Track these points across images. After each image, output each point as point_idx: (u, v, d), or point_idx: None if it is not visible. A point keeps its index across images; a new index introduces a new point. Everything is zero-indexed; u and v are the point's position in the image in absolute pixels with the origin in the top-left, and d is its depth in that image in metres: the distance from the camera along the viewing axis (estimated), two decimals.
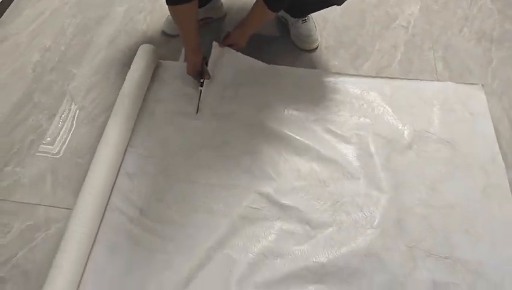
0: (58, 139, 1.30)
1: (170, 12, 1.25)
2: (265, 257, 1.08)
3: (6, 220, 1.16)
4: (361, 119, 1.31)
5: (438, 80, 1.40)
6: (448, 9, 1.63)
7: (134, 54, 1.41)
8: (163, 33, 1.56)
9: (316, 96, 1.37)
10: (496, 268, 1.05)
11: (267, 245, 1.09)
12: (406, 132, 1.28)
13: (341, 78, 1.41)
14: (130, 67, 1.37)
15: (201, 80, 1.34)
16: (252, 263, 1.07)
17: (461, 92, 1.36)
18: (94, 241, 1.11)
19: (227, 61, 1.39)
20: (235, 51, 1.39)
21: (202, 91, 1.34)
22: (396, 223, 1.12)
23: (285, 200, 1.16)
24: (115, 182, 1.20)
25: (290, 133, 1.27)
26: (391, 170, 1.21)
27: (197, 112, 1.32)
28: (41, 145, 1.29)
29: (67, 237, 1.06)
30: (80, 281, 1.05)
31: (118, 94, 1.32)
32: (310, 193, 1.17)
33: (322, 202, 1.16)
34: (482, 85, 1.38)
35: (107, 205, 1.16)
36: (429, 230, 1.11)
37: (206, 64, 1.36)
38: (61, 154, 1.27)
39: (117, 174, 1.22)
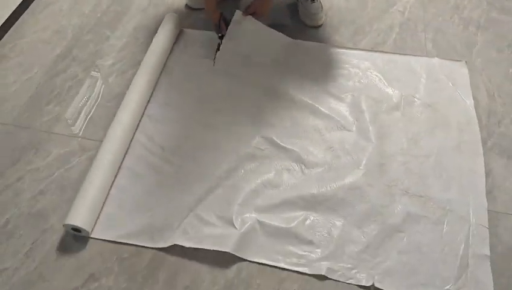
0: (92, 87, 1.51)
1: None
2: (264, 187, 1.26)
3: (46, 147, 1.36)
4: (356, 83, 1.50)
5: (427, 56, 1.58)
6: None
7: (161, 23, 1.62)
8: (187, 6, 1.77)
9: (319, 64, 1.56)
10: (462, 205, 1.22)
11: (267, 178, 1.28)
12: (394, 96, 1.46)
13: (340, 50, 1.60)
14: (156, 32, 1.59)
15: (219, 34, 1.52)
16: (254, 190, 1.25)
17: (446, 66, 1.55)
18: (120, 167, 1.30)
19: (246, 27, 1.54)
20: (255, 20, 1.54)
21: (221, 44, 1.52)
22: (379, 167, 1.30)
23: (284, 144, 1.34)
24: (139, 123, 1.40)
25: (292, 92, 1.46)
26: (378, 124, 1.39)
27: (214, 64, 1.52)
28: (80, 90, 1.50)
29: (97, 161, 1.25)
30: (106, 197, 1.24)
31: (144, 54, 1.53)
32: (307, 139, 1.36)
33: (316, 147, 1.34)
34: (466, 62, 1.56)
35: (132, 139, 1.36)
36: (407, 173, 1.29)
37: (226, 23, 1.51)
38: (94, 99, 1.47)
39: (141, 117, 1.42)
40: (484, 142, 1.36)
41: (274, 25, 1.60)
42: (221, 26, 1.51)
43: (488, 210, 1.22)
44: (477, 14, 1.75)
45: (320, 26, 1.69)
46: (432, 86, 1.49)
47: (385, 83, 1.50)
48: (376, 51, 1.60)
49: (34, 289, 1.10)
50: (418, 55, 1.59)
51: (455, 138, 1.36)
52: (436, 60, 1.56)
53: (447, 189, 1.26)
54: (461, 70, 1.54)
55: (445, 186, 1.26)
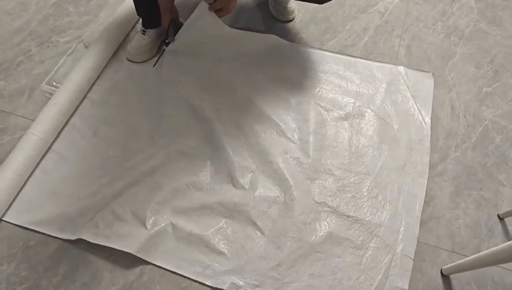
0: (42, 64, 1.48)
1: None
2: (187, 187, 1.21)
3: None
4: (310, 88, 1.41)
5: (394, 64, 1.47)
6: (429, 3, 1.68)
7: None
8: None
9: (274, 62, 1.47)
10: (392, 232, 1.14)
11: (192, 179, 1.23)
12: (346, 105, 1.37)
13: (302, 49, 1.51)
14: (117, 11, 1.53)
15: (166, 40, 1.45)
16: (175, 189, 1.20)
17: (411, 76, 1.43)
18: (49, 149, 1.28)
19: (204, 22, 1.47)
20: (217, 17, 1.41)
21: (165, 50, 1.46)
22: (311, 181, 1.22)
23: (217, 143, 1.28)
24: (78, 106, 1.37)
25: (240, 88, 1.39)
26: (321, 135, 1.30)
27: (154, 66, 1.46)
28: (28, 67, 1.47)
29: (22, 142, 1.23)
30: (27, 179, 1.22)
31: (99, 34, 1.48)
32: (240, 140, 1.29)
33: (249, 151, 1.27)
34: (433, 74, 1.44)
35: (67, 122, 1.33)
36: (340, 191, 1.21)
37: (175, 29, 1.44)
38: (41, 78, 1.44)
39: (82, 100, 1.38)
40: (434, 166, 1.26)
41: (236, 16, 1.52)
42: (170, 31, 1.44)
43: (418, 241, 1.13)
44: (464, 23, 1.61)
45: (290, 20, 1.60)
46: (389, 97, 1.39)
47: (341, 90, 1.41)
48: (341, 54, 1.50)
49: None
50: (385, 62, 1.48)
51: (402, 157, 1.27)
52: (401, 69, 1.45)
53: (380, 212, 1.18)
54: (426, 82, 1.42)
55: (378, 209, 1.18)
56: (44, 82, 1.39)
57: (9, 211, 1.17)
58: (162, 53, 1.47)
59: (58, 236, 1.14)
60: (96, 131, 1.32)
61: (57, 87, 1.36)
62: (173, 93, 1.39)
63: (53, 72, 1.41)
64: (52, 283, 1.07)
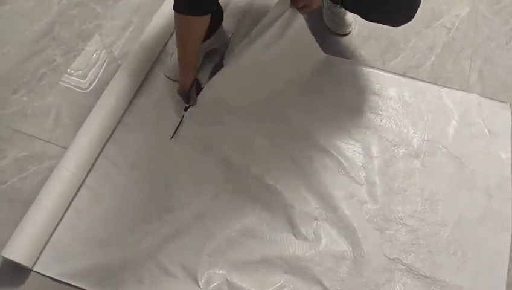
0: (69, 78, 1.30)
1: (180, 22, 1.08)
2: (242, 235, 1.07)
3: (3, 146, 1.18)
4: (372, 115, 1.25)
5: (466, 91, 1.31)
6: (500, 17, 1.50)
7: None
8: None
9: (331, 83, 1.31)
10: None
11: (247, 224, 1.08)
12: (415, 139, 1.22)
13: (363, 69, 1.34)
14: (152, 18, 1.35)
15: (187, 105, 1.20)
16: (229, 239, 1.06)
17: (485, 107, 1.28)
18: (81, 184, 1.12)
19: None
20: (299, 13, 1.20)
21: (184, 116, 1.20)
22: (381, 232, 1.08)
23: (270, 182, 1.13)
24: (113, 132, 1.20)
25: (292, 113, 1.24)
26: (389, 176, 1.16)
27: (171, 138, 1.18)
28: (53, 80, 1.30)
29: (54, 175, 1.08)
30: (60, 220, 1.07)
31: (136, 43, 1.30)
32: (298, 179, 1.14)
33: (310, 192, 1.13)
34: (511, 104, 1.28)
35: (100, 152, 1.17)
36: (415, 245, 1.07)
37: (198, 91, 1.21)
38: (68, 95, 1.27)
39: (116, 125, 1.21)
40: None
41: None
42: (191, 94, 1.19)
43: None
44: None
45: (347, 34, 1.42)
46: (463, 132, 1.23)
47: (408, 120, 1.25)
48: (406, 76, 1.34)
49: None
50: (455, 88, 1.32)
51: (481, 205, 1.13)
52: (474, 97, 1.30)
53: (460, 272, 1.04)
54: (503, 115, 1.27)
55: (458, 268, 1.05)
56: None
57: (40, 260, 1.02)
58: (181, 121, 1.19)
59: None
60: (133, 163, 1.16)
61: None
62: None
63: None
64: None
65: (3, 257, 0.98)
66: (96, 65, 1.32)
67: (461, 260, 1.06)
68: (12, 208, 1.09)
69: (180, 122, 1.18)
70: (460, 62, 1.38)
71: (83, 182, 1.12)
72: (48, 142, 1.19)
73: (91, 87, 1.28)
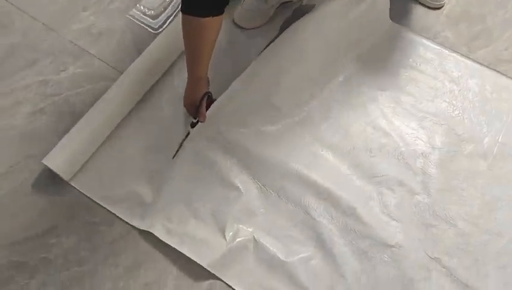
0: (140, 11, 1.28)
1: (188, 25, 0.93)
2: (278, 197, 1.02)
3: (66, 60, 1.19)
4: (444, 104, 1.15)
5: None
6: None
7: None
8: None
9: (405, 60, 1.21)
10: None
11: (284, 186, 1.03)
12: (487, 139, 1.10)
13: (444, 51, 1.22)
14: None
15: (194, 120, 1.04)
16: (259, 196, 1.02)
17: None
18: (130, 111, 1.11)
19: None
20: None
21: (190, 133, 1.05)
22: (426, 227, 1.00)
23: (325, 152, 1.07)
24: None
25: (355, 83, 1.17)
26: (449, 171, 1.06)
27: (173, 157, 1.04)
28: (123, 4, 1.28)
29: (107, 96, 1.07)
30: (104, 142, 1.07)
31: None
32: (350, 155, 1.07)
33: (359, 170, 1.05)
34: None
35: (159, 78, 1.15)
36: (461, 249, 0.98)
37: (209, 102, 1.04)
38: (137, 19, 1.25)
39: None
40: None
41: None
42: (201, 109, 1.01)
43: None
44: None
45: (439, 8, 1.29)
46: None
47: (483, 117, 1.13)
48: (492, 69, 1.20)
49: None
50: None
51: None
52: None
53: (506, 289, 0.94)
54: None
55: (505, 285, 0.95)
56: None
57: (78, 176, 1.03)
58: (185, 139, 1.05)
59: (126, 220, 0.99)
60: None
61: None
62: None
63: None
64: (111, 275, 0.94)
65: (44, 165, 0.99)
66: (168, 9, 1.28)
67: (511, 275, 0.96)
68: (61, 121, 1.10)
69: (183, 141, 1.04)
70: None
71: (132, 109, 1.11)
72: (107, 64, 1.18)
73: (159, 30, 1.24)
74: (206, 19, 0.89)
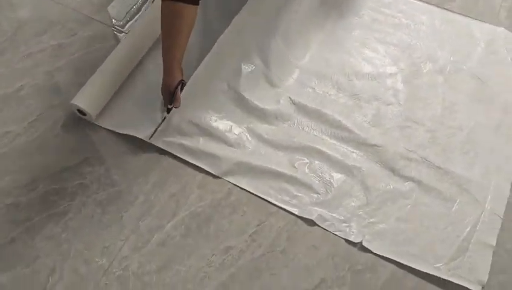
0: None
1: (166, 10, 1.01)
2: (276, 118, 1.20)
3: (73, 26, 1.33)
4: (404, 36, 1.37)
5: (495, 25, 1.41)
6: None
7: None
8: None
9: (368, 4, 1.43)
10: (482, 189, 1.12)
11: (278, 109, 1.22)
12: (441, 59, 1.32)
13: None
14: None
15: (169, 106, 1.12)
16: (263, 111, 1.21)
17: (510, 39, 1.38)
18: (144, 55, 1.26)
19: None
20: None
21: (166, 118, 1.14)
22: (401, 129, 1.20)
23: (305, 80, 1.27)
24: None
25: (330, 26, 1.38)
26: (414, 85, 1.27)
27: (150, 138, 1.13)
28: None
29: (121, 45, 1.23)
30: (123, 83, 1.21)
31: None
32: (332, 80, 1.27)
33: (340, 91, 1.26)
34: None
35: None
36: (431, 142, 1.18)
37: (182, 88, 1.12)
38: None
39: None
40: None
41: None
42: (176, 95, 1.09)
43: (509, 201, 1.11)
44: None
45: None
46: (487, 57, 1.34)
47: (437, 43, 1.36)
48: (438, 6, 1.44)
49: (30, 159, 1.12)
50: (484, 22, 1.42)
51: (497, 117, 1.23)
52: (501, 30, 1.39)
53: (470, 168, 1.15)
54: None
55: (469, 164, 1.16)
56: None
57: (101, 115, 1.17)
58: (161, 123, 1.14)
59: (148, 141, 1.14)
60: None
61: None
62: None
63: None
64: (142, 190, 1.09)
65: (72, 108, 1.14)
66: None
67: (473, 159, 1.17)
68: (77, 76, 1.23)
69: (160, 124, 1.14)
70: (492, 0, 1.48)
71: (145, 54, 1.26)
72: (112, 27, 1.34)
73: None
74: (182, 5, 0.99)
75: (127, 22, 1.34)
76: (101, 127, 1.16)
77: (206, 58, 1.24)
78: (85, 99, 1.13)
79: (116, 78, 1.19)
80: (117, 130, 1.16)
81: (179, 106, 1.11)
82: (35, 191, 1.07)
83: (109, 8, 1.34)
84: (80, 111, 1.14)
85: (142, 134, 1.14)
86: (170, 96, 1.09)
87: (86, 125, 1.17)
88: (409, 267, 1.03)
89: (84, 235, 1.03)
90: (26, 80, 1.23)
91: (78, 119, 1.17)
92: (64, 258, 1.00)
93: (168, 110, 1.13)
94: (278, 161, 1.14)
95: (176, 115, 1.16)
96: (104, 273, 0.99)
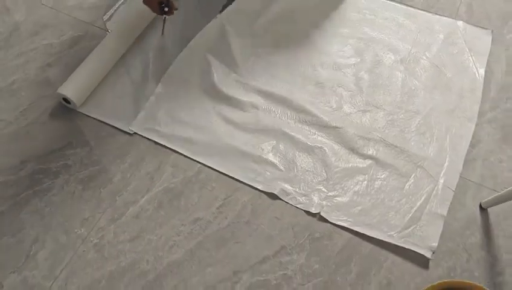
0: None
1: None
2: (251, 108, 1.30)
3: (63, 28, 1.46)
4: (368, 29, 1.47)
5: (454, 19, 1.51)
6: None
7: None
8: None
9: (337, 4, 1.54)
10: (436, 165, 1.20)
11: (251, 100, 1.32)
12: (402, 50, 1.42)
13: None
14: None
15: (165, 9, 1.27)
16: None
17: (469, 31, 1.47)
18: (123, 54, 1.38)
19: None
20: None
21: (166, 19, 1.37)
22: (362, 113, 1.29)
23: (273, 71, 1.37)
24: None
25: (299, 22, 1.48)
26: (375, 74, 1.37)
27: (162, 34, 1.41)
28: None
29: (105, 40, 1.35)
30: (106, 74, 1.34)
31: None
32: (299, 70, 1.37)
33: (306, 81, 1.35)
34: (492, 31, 1.47)
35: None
36: (390, 125, 1.27)
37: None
38: None
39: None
40: (483, 114, 1.31)
41: None
42: (170, 3, 1.28)
43: (461, 177, 1.19)
44: None
45: None
46: (446, 49, 1.43)
47: (398, 36, 1.46)
48: (401, 3, 1.55)
49: (19, 144, 1.23)
50: (445, 16, 1.51)
51: (452, 102, 1.32)
52: (460, 23, 1.49)
53: (426, 147, 1.24)
54: (484, 39, 1.46)
55: (424, 144, 1.24)
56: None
57: (85, 104, 1.29)
58: (164, 22, 1.38)
59: (126, 130, 1.25)
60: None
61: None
62: None
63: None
64: (120, 169, 1.19)
65: (58, 98, 1.25)
66: None
67: (428, 139, 1.25)
68: (66, 70, 1.35)
69: (164, 26, 1.39)
70: None
71: (126, 51, 1.39)
72: (98, 27, 1.46)
73: None
74: None
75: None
76: (84, 114, 1.27)
77: (182, 53, 1.36)
78: (70, 89, 1.24)
79: (99, 70, 1.30)
80: (99, 118, 1.27)
81: (177, 9, 1.30)
82: (23, 171, 1.18)
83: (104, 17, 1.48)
84: (65, 100, 1.25)
85: (122, 123, 1.25)
86: (159, 6, 1.25)
87: (71, 114, 1.28)
88: (365, 235, 1.10)
89: (66, 209, 1.13)
90: (18, 75, 1.35)
91: (64, 108, 1.28)
92: (46, 229, 1.10)
93: (164, 19, 1.36)
94: (246, 142, 1.23)
95: (154, 107, 1.28)
96: (83, 242, 1.09)
